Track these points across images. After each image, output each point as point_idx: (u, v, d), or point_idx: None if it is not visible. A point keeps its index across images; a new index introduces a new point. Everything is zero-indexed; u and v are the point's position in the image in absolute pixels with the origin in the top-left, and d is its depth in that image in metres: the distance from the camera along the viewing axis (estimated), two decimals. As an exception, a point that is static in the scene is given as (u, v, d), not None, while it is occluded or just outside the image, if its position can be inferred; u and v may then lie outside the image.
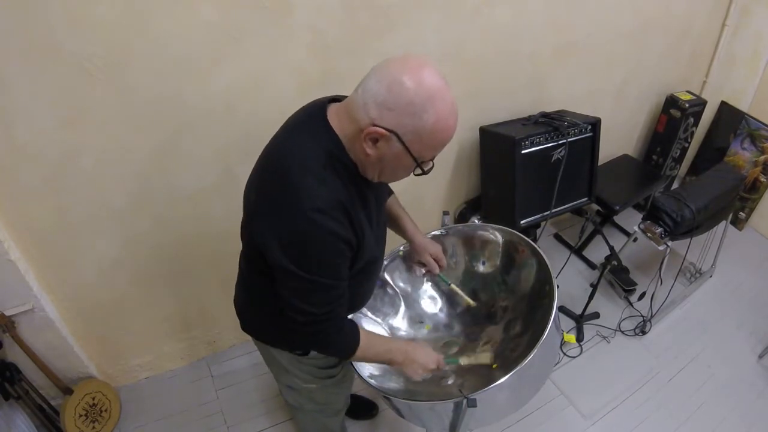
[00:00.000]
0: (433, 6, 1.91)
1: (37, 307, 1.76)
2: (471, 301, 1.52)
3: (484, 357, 1.40)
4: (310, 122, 1.06)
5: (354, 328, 1.18)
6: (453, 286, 1.53)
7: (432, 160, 1.04)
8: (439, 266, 1.50)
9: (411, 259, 1.56)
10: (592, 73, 2.61)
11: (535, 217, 2.37)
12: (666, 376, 2.37)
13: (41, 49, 1.37)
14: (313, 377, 1.40)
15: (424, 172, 1.04)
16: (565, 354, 2.43)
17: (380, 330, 1.50)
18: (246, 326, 1.35)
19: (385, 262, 1.58)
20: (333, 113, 1.04)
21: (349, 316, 1.41)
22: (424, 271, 1.54)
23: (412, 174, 1.06)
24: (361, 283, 1.23)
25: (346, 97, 1.07)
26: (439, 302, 1.60)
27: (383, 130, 0.94)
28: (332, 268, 1.03)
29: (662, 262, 2.39)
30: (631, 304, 2.68)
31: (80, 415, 1.94)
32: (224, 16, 1.55)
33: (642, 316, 2.59)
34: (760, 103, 3.02)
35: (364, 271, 1.18)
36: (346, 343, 1.16)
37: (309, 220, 0.96)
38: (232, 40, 1.60)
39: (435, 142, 0.98)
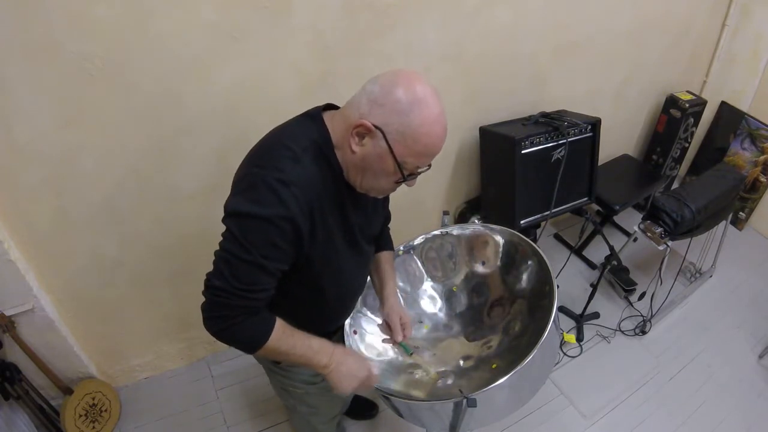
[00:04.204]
0: (433, 6, 1.91)
1: (37, 307, 1.76)
2: (434, 373, 1.40)
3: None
4: (303, 118, 1.08)
5: (268, 316, 1.07)
6: (415, 356, 1.43)
7: (416, 173, 1.04)
8: (404, 335, 1.40)
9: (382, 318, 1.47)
10: (592, 73, 2.62)
11: (535, 217, 2.37)
12: (666, 376, 2.37)
13: (41, 49, 1.37)
14: (302, 382, 1.38)
15: (405, 179, 1.03)
16: (565, 354, 2.44)
17: (379, 329, 1.50)
18: None
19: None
20: (328, 116, 1.06)
21: (348, 321, 1.41)
22: (385, 337, 1.44)
23: (395, 185, 1.05)
24: (311, 301, 1.18)
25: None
26: (439, 302, 1.60)
27: (370, 124, 0.96)
28: (272, 246, 0.98)
29: (662, 262, 2.39)
30: (631, 304, 2.68)
31: (80, 415, 1.94)
32: (224, 16, 1.55)
33: (642, 316, 2.59)
34: (760, 103, 3.02)
35: (317, 287, 1.15)
36: (253, 327, 1.05)
37: (270, 187, 0.95)
38: (232, 40, 1.60)
39: (418, 147, 0.98)
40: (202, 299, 1.05)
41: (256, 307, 1.03)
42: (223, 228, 1.02)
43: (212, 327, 1.04)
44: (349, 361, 1.18)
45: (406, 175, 1.03)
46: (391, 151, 0.98)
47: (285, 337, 1.09)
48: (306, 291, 1.15)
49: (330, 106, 1.11)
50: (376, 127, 0.96)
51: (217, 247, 1.03)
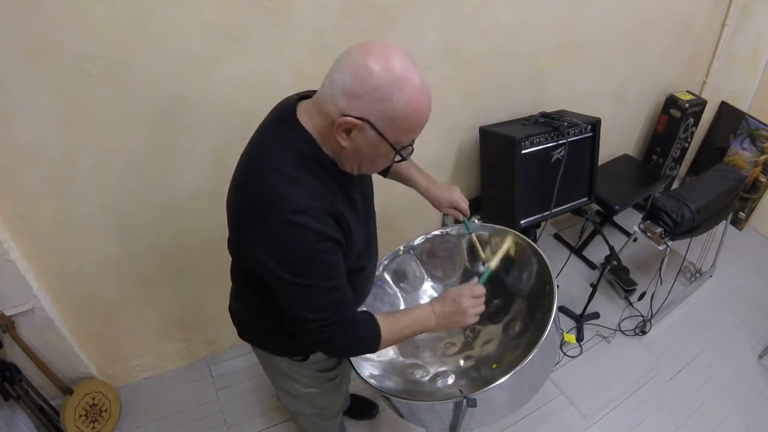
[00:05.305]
0: (433, 6, 1.91)
1: (37, 307, 1.76)
2: (483, 255, 1.52)
3: (504, 246, 1.43)
4: (280, 125, 1.03)
5: (369, 318, 1.12)
6: (473, 236, 1.52)
7: (411, 144, 1.02)
8: (462, 213, 1.48)
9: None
10: (592, 73, 2.61)
11: (535, 217, 2.37)
12: (666, 376, 2.37)
13: (41, 49, 1.37)
14: (314, 381, 1.39)
15: (404, 158, 1.01)
16: (565, 354, 2.43)
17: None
18: (243, 334, 1.34)
19: (385, 262, 1.58)
20: (303, 111, 1.01)
21: None
22: (452, 221, 1.53)
23: (392, 162, 1.04)
24: (355, 280, 1.21)
25: (315, 92, 1.05)
26: (439, 302, 1.60)
27: (354, 120, 0.91)
28: (326, 268, 1.00)
29: (662, 262, 2.39)
30: (631, 304, 2.68)
31: (80, 415, 1.94)
32: (224, 16, 1.55)
33: (642, 316, 2.59)
34: (760, 103, 3.02)
35: (356, 267, 1.17)
36: (365, 336, 1.11)
37: (290, 223, 0.93)
38: (232, 40, 1.60)
39: (410, 125, 0.95)
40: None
41: (352, 316, 1.08)
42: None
43: (337, 355, 1.23)
44: (447, 306, 1.20)
45: (403, 152, 1.00)
46: (384, 138, 0.94)
47: (391, 323, 1.14)
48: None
49: (302, 96, 1.06)
50: (361, 119, 0.91)
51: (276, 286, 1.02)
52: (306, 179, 0.97)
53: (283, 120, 1.02)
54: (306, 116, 1.00)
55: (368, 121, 0.92)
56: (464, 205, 1.47)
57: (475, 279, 1.27)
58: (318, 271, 0.99)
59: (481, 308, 1.23)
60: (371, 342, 1.11)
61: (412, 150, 1.03)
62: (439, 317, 1.19)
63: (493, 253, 1.51)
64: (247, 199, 1.00)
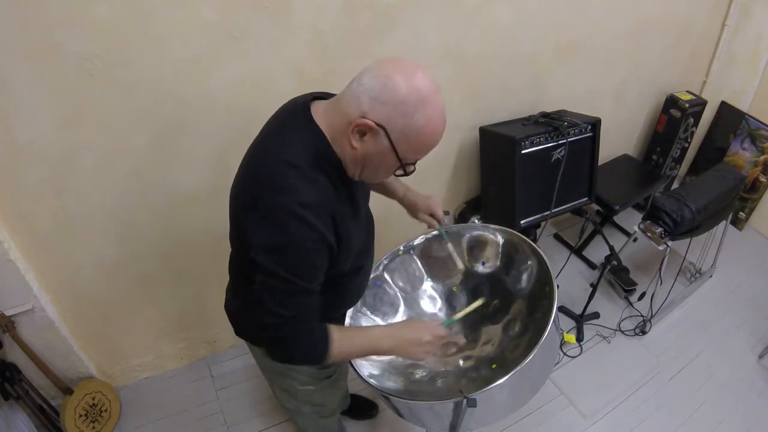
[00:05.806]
0: (433, 6, 1.91)
1: (37, 307, 1.76)
2: (461, 265, 1.53)
3: (475, 303, 1.40)
4: (295, 121, 1.03)
5: (323, 329, 1.10)
6: (450, 246, 1.51)
7: (414, 163, 1.04)
8: (438, 220, 1.47)
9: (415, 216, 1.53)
10: (592, 73, 2.61)
11: (535, 217, 2.38)
12: (666, 376, 2.37)
13: (41, 49, 1.37)
14: (311, 378, 1.39)
15: (406, 173, 1.03)
16: (565, 354, 2.44)
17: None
18: (240, 331, 1.34)
19: (385, 262, 1.58)
20: (319, 110, 1.03)
21: (349, 313, 1.42)
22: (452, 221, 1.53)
23: (393, 174, 1.05)
24: (352, 279, 1.23)
25: (328, 94, 1.07)
26: (439, 302, 1.60)
27: (372, 123, 0.94)
28: (311, 269, 1.01)
29: (662, 262, 2.39)
30: (631, 304, 2.68)
31: (80, 415, 1.94)
32: (224, 16, 1.55)
33: (642, 316, 2.59)
34: (760, 103, 3.02)
35: (355, 267, 1.18)
36: (313, 345, 1.08)
37: (294, 214, 0.94)
38: (232, 40, 1.60)
39: (421, 145, 0.98)
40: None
41: (310, 327, 1.07)
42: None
43: (279, 359, 1.15)
44: (407, 332, 1.19)
45: (407, 168, 1.02)
46: (394, 149, 0.97)
47: (343, 338, 1.12)
48: (334, 280, 1.15)
49: (315, 96, 1.07)
50: (379, 125, 0.94)
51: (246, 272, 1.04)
52: (320, 179, 0.99)
53: (298, 118, 1.03)
54: (321, 114, 1.02)
55: (385, 129, 0.94)
56: (440, 211, 1.47)
57: (440, 321, 1.29)
58: (303, 269, 1.00)
59: (436, 350, 1.23)
60: (318, 353, 1.09)
61: (414, 169, 1.05)
62: (396, 339, 1.18)
63: (466, 304, 1.50)
64: (259, 189, 0.99)
